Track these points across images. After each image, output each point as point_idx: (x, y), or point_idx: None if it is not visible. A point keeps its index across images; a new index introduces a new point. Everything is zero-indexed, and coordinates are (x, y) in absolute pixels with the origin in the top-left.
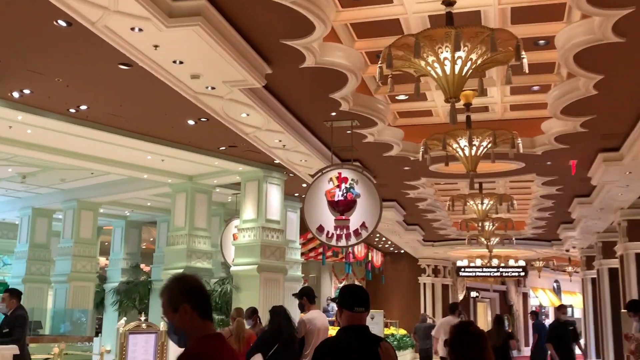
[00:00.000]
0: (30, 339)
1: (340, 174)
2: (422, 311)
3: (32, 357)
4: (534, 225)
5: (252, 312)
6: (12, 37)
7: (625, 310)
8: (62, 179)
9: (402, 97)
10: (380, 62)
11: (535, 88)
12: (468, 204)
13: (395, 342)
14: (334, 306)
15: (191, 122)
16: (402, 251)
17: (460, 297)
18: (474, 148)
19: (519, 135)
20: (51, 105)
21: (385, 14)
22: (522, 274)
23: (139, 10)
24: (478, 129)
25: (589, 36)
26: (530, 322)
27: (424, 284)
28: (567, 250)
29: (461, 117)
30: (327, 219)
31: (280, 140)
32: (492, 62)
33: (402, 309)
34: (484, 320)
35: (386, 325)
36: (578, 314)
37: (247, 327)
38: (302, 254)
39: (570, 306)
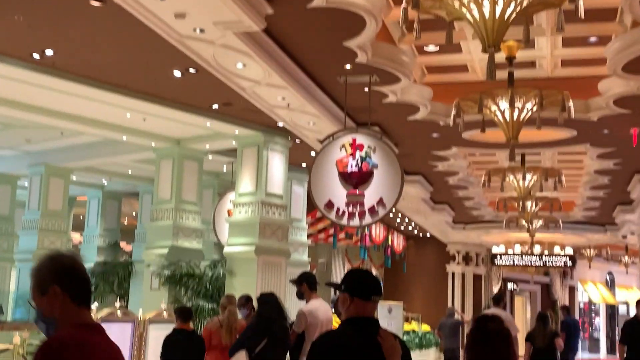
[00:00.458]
0: None
1: (354, 140)
2: (449, 305)
3: None
4: (586, 206)
5: (246, 300)
6: None
7: None
8: (27, 139)
9: (431, 47)
10: (404, 1)
11: (593, 39)
12: (507, 179)
13: (416, 340)
14: None
15: (177, 74)
16: (428, 235)
17: (495, 289)
18: (517, 111)
19: (571, 96)
20: (10, 49)
21: None
22: (570, 263)
23: None
24: (522, 87)
25: None
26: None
27: (453, 273)
28: (624, 237)
29: (502, 74)
30: (338, 194)
31: (283, 98)
32: (541, 4)
33: (425, 301)
34: (521, 317)
35: (407, 320)
36: (634, 312)
37: (239, 317)
38: (309, 235)
39: (625, 303)
